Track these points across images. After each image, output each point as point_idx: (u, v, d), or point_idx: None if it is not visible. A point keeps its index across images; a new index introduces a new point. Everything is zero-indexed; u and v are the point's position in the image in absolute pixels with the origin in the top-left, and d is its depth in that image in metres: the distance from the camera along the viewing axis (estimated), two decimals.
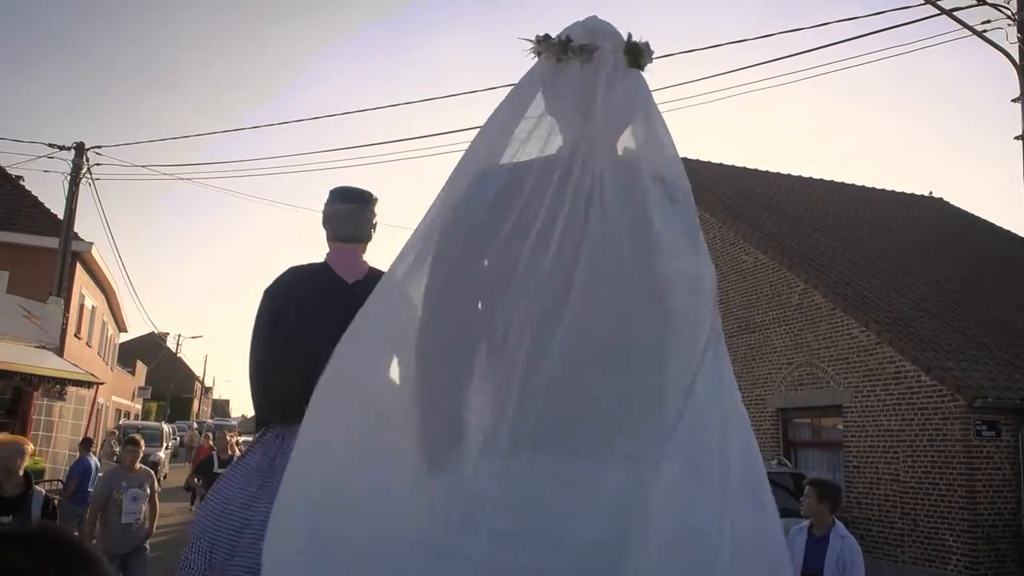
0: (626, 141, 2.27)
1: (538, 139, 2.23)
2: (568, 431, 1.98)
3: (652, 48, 2.27)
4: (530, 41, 2.25)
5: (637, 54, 2.24)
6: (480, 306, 2.11)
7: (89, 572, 1.11)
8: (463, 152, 2.26)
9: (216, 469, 10.43)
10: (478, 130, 2.28)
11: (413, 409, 2.05)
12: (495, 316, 2.04)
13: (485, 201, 2.11)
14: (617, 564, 1.80)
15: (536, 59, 2.26)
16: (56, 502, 4.49)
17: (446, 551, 1.87)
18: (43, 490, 4.40)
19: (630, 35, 2.25)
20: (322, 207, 3.40)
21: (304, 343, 3.15)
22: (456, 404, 2.05)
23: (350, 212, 3.37)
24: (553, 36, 2.22)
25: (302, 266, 3.40)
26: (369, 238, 3.43)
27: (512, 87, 2.31)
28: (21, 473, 4.30)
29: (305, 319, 3.17)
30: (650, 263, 2.12)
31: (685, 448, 1.95)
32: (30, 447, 4.34)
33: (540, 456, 1.94)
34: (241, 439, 12.65)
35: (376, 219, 3.46)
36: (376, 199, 3.48)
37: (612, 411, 2.01)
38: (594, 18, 2.31)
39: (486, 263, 2.12)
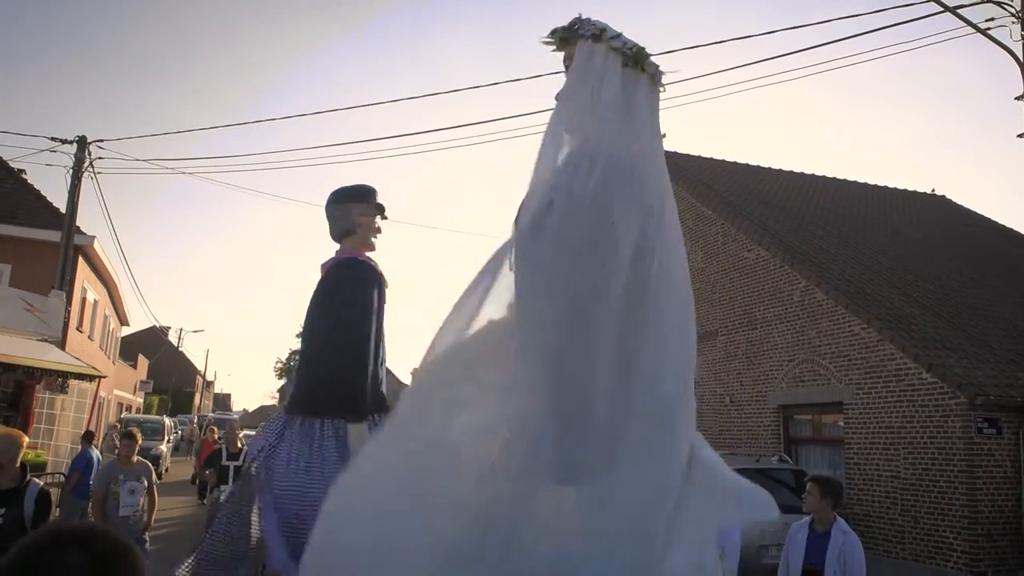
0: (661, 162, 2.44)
1: (602, 129, 2.31)
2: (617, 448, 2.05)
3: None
4: (584, 26, 2.34)
5: (661, 78, 2.46)
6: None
7: (134, 568, 1.18)
8: (553, 124, 2.34)
9: (224, 462, 10.50)
10: (556, 108, 2.38)
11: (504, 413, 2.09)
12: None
13: (585, 205, 2.19)
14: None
15: (591, 44, 2.36)
16: (51, 495, 4.48)
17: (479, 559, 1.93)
18: (39, 482, 4.39)
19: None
20: (356, 210, 3.37)
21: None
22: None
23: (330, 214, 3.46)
24: (617, 35, 2.35)
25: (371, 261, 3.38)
26: (335, 236, 3.43)
27: (579, 70, 2.38)
28: (17, 465, 4.32)
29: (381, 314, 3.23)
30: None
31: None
32: (25, 440, 4.35)
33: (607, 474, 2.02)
34: (242, 433, 12.67)
35: (338, 216, 3.44)
36: (334, 198, 3.48)
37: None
38: (626, 38, 2.44)
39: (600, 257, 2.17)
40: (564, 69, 2.47)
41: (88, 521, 1.15)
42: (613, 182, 2.21)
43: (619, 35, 2.36)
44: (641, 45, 2.37)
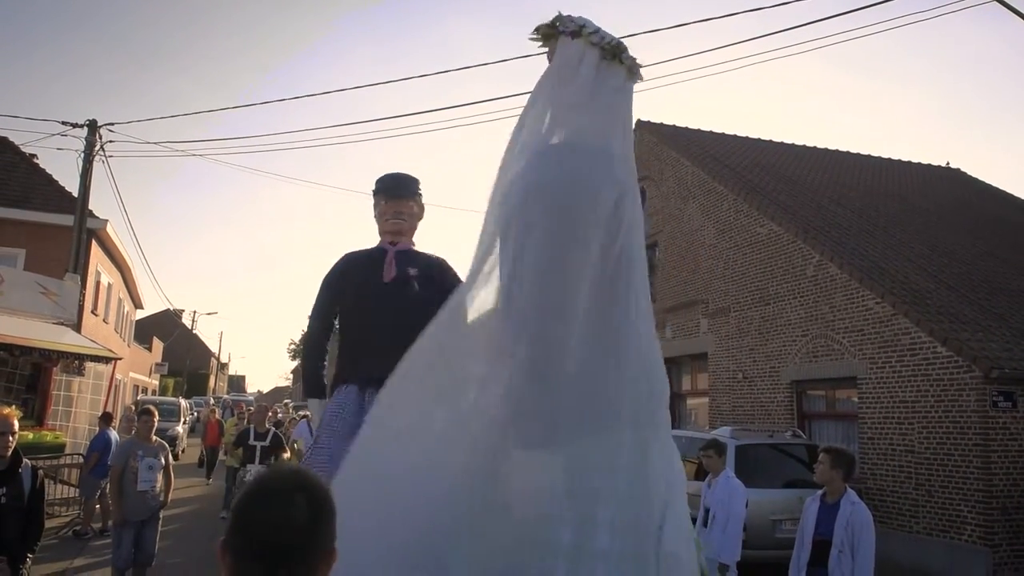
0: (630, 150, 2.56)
1: (578, 120, 2.45)
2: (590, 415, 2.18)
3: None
4: (565, 23, 2.46)
5: (638, 73, 2.59)
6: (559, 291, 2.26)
7: (333, 512, 1.38)
8: (515, 128, 2.47)
9: (252, 441, 10.64)
10: (526, 106, 2.50)
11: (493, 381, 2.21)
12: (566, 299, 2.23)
13: (562, 179, 2.34)
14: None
15: (571, 41, 2.48)
16: (43, 474, 4.59)
17: (480, 532, 2.03)
18: (30, 463, 4.46)
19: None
20: (423, 198, 3.61)
21: None
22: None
23: None
24: (595, 31, 2.48)
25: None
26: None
27: (556, 64, 2.52)
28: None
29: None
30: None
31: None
32: (16, 423, 4.36)
33: (573, 442, 2.13)
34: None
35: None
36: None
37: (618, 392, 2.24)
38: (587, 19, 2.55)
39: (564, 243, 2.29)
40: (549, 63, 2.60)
41: (305, 469, 1.33)
42: (585, 166, 2.35)
43: (598, 30, 2.48)
44: (619, 39, 2.50)
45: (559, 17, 2.51)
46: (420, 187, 3.57)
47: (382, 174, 3.59)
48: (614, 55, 2.45)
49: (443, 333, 2.25)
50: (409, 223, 3.51)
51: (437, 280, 3.35)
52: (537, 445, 2.13)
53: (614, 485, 2.06)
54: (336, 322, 3.50)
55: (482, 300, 2.29)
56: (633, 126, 2.60)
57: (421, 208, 3.58)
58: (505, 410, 2.13)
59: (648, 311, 2.35)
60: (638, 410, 2.20)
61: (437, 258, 3.55)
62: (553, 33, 2.52)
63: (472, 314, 2.29)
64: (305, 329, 3.48)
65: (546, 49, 2.60)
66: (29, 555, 4.28)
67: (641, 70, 2.53)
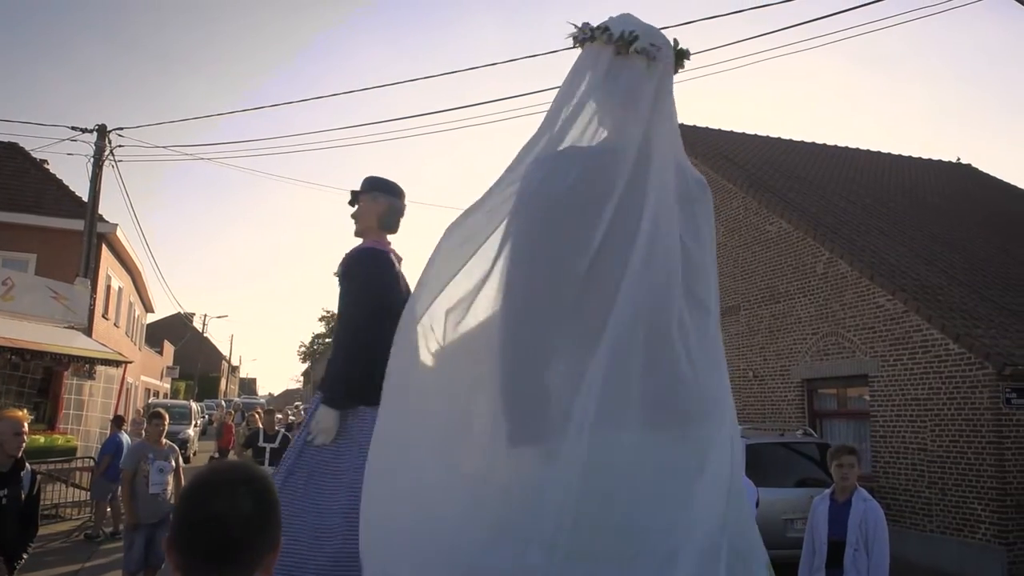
0: (665, 139, 2.49)
1: (590, 123, 2.43)
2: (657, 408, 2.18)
3: (688, 52, 2.54)
4: (583, 31, 2.47)
5: (681, 60, 2.52)
6: (566, 286, 2.25)
7: (278, 503, 1.38)
8: (532, 135, 2.45)
9: (261, 443, 10.73)
10: (545, 114, 2.48)
11: (492, 388, 2.21)
12: (582, 295, 2.22)
13: (566, 182, 2.31)
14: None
15: (588, 46, 2.47)
16: (40, 478, 4.70)
17: (527, 538, 2.00)
18: (31, 468, 4.53)
19: (676, 40, 2.52)
20: (372, 196, 3.57)
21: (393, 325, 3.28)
22: (539, 380, 2.20)
23: (402, 210, 3.68)
24: (613, 29, 2.44)
25: (380, 250, 3.54)
26: None
27: (569, 74, 2.49)
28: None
29: (397, 301, 3.28)
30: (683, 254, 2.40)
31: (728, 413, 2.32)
32: (26, 425, 4.45)
33: (625, 433, 2.12)
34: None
35: None
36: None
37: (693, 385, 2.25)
38: (630, 16, 2.53)
39: (570, 245, 2.27)
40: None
41: (246, 462, 1.34)
42: (601, 169, 2.32)
43: (607, 29, 2.45)
44: (636, 30, 2.44)
45: (582, 25, 2.50)
46: (369, 186, 3.59)
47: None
48: (628, 45, 2.41)
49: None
50: (359, 225, 3.57)
51: None
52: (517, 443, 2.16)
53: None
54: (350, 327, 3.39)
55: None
56: (669, 108, 2.51)
57: (369, 206, 3.57)
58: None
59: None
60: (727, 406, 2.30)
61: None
62: (579, 43, 2.52)
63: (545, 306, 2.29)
64: (352, 326, 3.29)
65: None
66: (24, 554, 4.41)
67: (660, 50, 2.45)
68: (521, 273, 2.24)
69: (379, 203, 3.57)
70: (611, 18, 2.51)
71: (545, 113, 2.47)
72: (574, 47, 2.51)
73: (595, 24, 2.49)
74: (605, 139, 2.41)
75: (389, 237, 3.62)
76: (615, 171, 2.30)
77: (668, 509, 2.04)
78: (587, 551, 1.95)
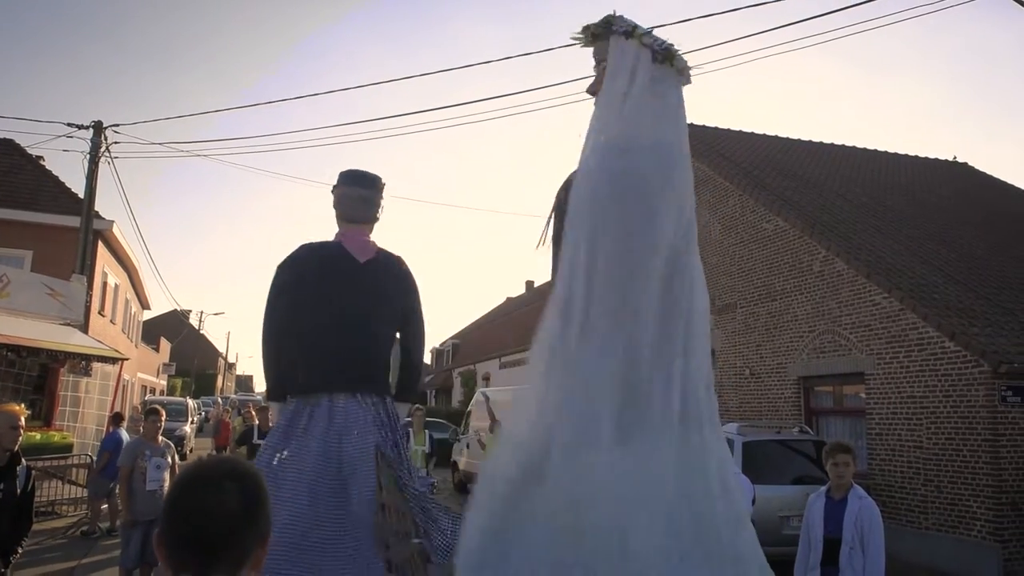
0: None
1: (635, 116, 2.51)
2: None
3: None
4: (622, 22, 2.48)
5: (689, 74, 2.64)
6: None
7: (267, 499, 1.39)
8: (590, 129, 2.54)
9: (256, 440, 10.71)
10: (595, 109, 2.57)
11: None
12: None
13: (639, 175, 2.45)
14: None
15: (625, 40, 2.53)
16: (35, 473, 4.72)
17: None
18: (27, 464, 4.56)
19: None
20: (332, 189, 3.57)
21: (317, 317, 3.27)
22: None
23: (362, 196, 3.59)
24: (648, 37, 2.54)
25: (314, 243, 3.53)
26: (376, 220, 3.60)
27: (612, 65, 2.56)
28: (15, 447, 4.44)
29: (320, 294, 3.27)
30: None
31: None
32: (22, 420, 4.48)
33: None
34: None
35: (383, 202, 3.64)
36: (384, 183, 3.66)
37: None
38: (654, 35, 2.62)
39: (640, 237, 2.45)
40: (594, 64, 2.65)
41: (234, 457, 1.36)
42: (647, 168, 2.44)
43: (649, 32, 2.53)
44: (670, 43, 2.55)
45: (612, 17, 2.54)
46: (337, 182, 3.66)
47: (370, 172, 3.77)
48: (666, 57, 2.50)
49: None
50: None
51: None
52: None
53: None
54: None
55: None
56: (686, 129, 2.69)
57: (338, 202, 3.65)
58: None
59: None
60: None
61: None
62: (603, 33, 2.55)
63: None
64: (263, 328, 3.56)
65: (590, 48, 2.64)
66: (19, 548, 4.43)
67: (690, 72, 2.59)
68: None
69: (334, 195, 3.62)
70: (627, 17, 2.57)
71: (595, 105, 2.56)
72: (605, 35, 2.56)
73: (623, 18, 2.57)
74: (649, 140, 2.52)
75: (387, 229, 3.69)
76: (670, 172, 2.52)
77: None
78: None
